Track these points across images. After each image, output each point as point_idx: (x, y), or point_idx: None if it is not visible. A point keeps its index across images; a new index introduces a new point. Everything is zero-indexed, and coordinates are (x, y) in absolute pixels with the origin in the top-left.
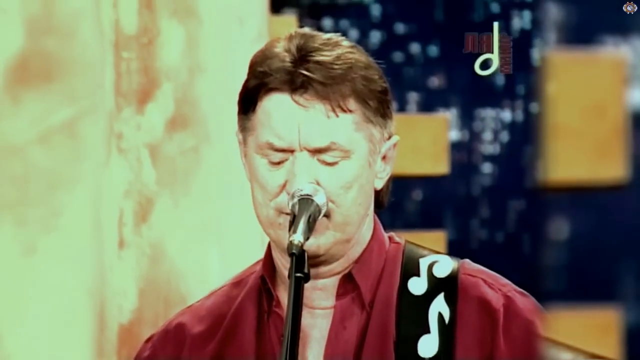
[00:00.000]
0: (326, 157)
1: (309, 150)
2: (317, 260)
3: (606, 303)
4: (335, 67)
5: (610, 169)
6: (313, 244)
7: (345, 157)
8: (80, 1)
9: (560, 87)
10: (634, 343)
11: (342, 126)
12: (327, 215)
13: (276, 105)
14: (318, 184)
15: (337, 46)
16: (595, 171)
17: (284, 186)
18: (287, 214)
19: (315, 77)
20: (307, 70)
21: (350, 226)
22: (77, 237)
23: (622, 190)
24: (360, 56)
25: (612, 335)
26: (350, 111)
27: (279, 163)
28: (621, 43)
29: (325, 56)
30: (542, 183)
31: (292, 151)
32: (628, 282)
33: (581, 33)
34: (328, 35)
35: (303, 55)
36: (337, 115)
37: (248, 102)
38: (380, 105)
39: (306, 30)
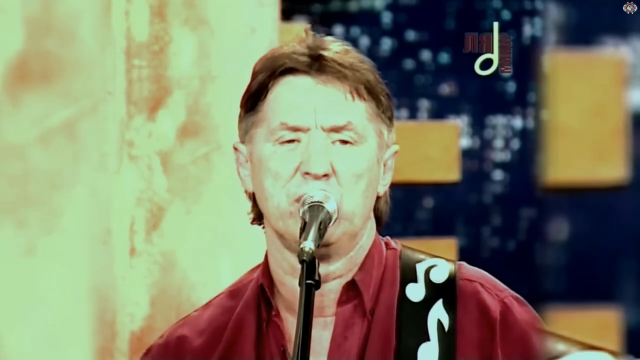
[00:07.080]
0: (342, 135)
1: (324, 130)
2: (327, 250)
3: (606, 303)
4: (349, 57)
5: (610, 169)
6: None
7: (359, 142)
8: (80, 2)
9: (560, 87)
10: (633, 343)
11: (358, 110)
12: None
13: (291, 87)
14: (332, 168)
15: (347, 46)
16: (595, 172)
17: (297, 169)
18: (298, 200)
19: (335, 59)
20: (326, 53)
21: (358, 218)
22: (77, 238)
23: (621, 191)
24: (368, 61)
25: (612, 335)
26: (364, 99)
27: (291, 141)
28: (621, 44)
29: (339, 48)
30: (544, 184)
31: (306, 130)
32: (628, 282)
33: (581, 34)
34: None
35: (318, 45)
36: (354, 99)
37: (256, 95)
38: (388, 106)
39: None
